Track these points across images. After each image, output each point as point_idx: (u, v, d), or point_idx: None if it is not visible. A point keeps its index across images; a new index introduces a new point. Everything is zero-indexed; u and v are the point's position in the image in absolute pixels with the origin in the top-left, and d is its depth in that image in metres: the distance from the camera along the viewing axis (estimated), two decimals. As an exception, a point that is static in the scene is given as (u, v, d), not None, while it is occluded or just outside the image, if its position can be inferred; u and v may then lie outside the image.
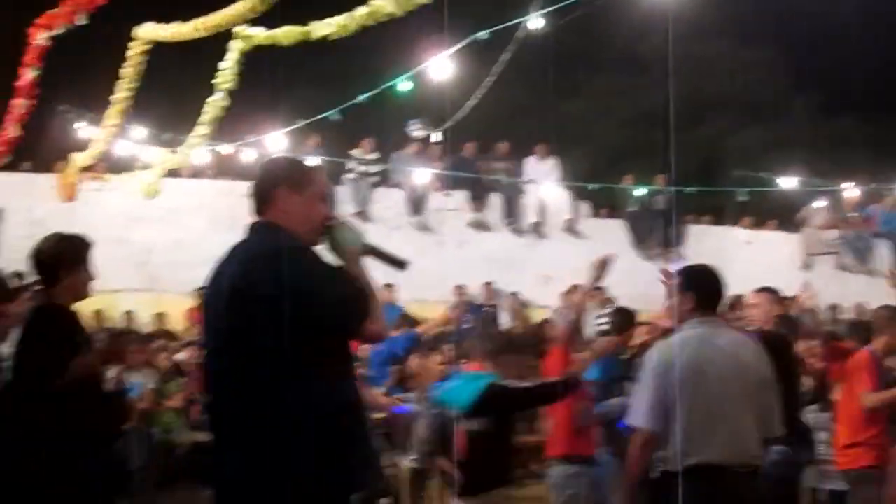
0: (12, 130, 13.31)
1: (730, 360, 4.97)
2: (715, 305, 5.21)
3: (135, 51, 11.98)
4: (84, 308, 5.30)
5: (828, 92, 26.44)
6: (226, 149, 14.17)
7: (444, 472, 7.36)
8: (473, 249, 17.83)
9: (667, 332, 5.43)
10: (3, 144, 13.61)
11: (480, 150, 18.69)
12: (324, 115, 11.26)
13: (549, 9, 8.70)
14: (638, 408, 5.01)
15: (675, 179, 19.08)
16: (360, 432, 3.78)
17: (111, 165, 16.91)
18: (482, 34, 8.97)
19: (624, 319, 8.23)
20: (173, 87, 19.64)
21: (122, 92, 12.43)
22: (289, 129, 13.21)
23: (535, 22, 8.85)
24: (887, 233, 19.62)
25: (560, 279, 17.26)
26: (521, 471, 12.46)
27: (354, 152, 17.92)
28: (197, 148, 12.17)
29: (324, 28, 8.93)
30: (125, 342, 5.30)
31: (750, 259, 17.13)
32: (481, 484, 5.79)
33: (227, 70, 10.75)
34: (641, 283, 16.70)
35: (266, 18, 9.48)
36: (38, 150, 17.91)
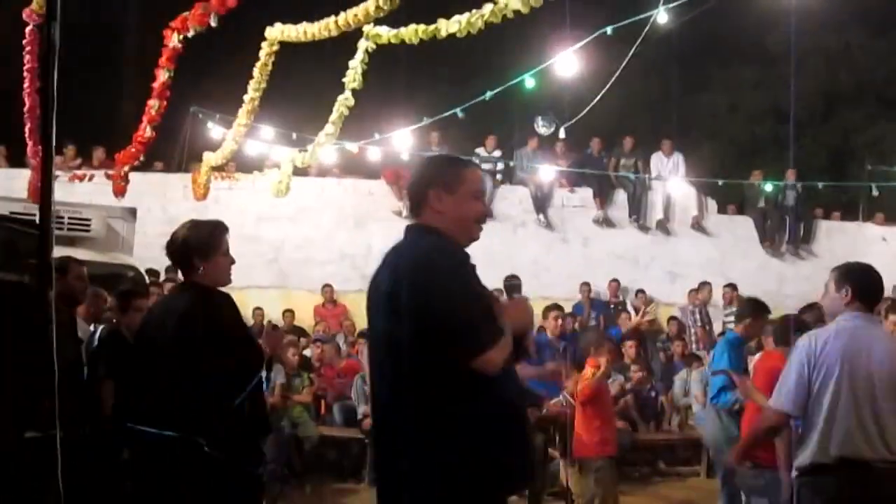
0: (146, 131, 13.62)
1: (882, 355, 4.88)
2: (872, 301, 5.13)
3: (264, 51, 12.16)
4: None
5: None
6: (352, 147, 14.30)
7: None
8: (599, 246, 17.72)
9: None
10: (137, 145, 13.94)
11: (606, 146, 18.56)
12: (448, 112, 11.28)
13: (677, 2, 8.57)
14: (779, 389, 5.04)
15: (806, 174, 18.68)
16: (519, 431, 3.75)
17: (241, 165, 17.26)
18: (608, 29, 8.88)
19: (755, 309, 8.02)
20: (301, 87, 19.98)
21: (252, 92, 12.63)
22: (414, 127, 13.27)
23: (663, 16, 8.71)
24: None
25: (687, 276, 17.08)
26: (648, 469, 12.50)
27: (478, 150, 17.96)
28: (324, 147, 12.29)
29: (451, 26, 8.94)
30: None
31: (886, 256, 16.61)
32: None
33: (355, 69, 10.83)
34: (770, 281, 16.54)
35: (393, 17, 9.55)
36: (170, 151, 18.39)
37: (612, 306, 16.24)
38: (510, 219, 17.57)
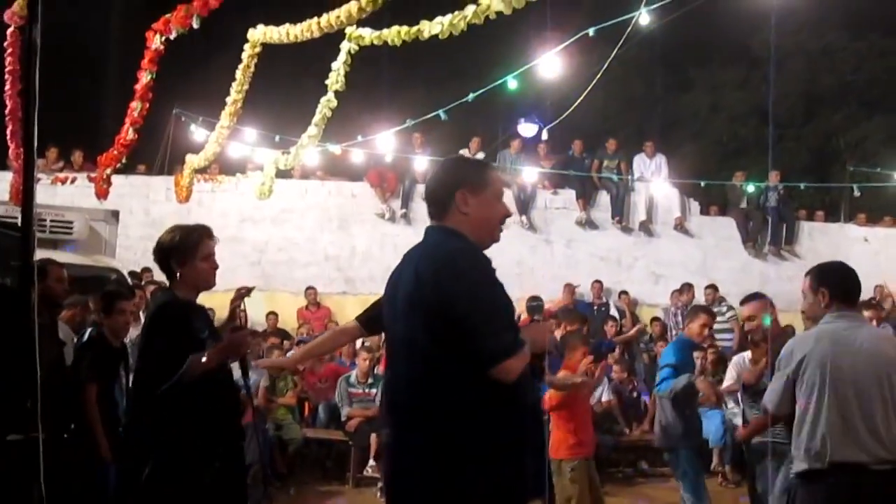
0: (129, 133, 13.58)
1: (868, 355, 4.88)
2: (851, 300, 5.13)
3: (247, 53, 12.13)
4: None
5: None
6: (335, 149, 14.28)
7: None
8: (582, 248, 17.75)
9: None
10: (119, 147, 13.90)
11: (589, 147, 18.59)
12: (432, 114, 11.28)
13: (659, 3, 8.58)
14: (769, 391, 5.23)
15: (788, 175, 18.75)
16: (537, 437, 3.77)
17: (224, 167, 17.23)
18: (591, 30, 8.89)
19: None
20: (284, 89, 19.96)
21: (235, 94, 12.60)
22: (397, 129, 13.27)
23: (645, 17, 8.72)
24: None
25: (670, 277, 17.14)
26: (631, 469, 12.52)
27: (462, 151, 17.95)
28: (307, 149, 12.27)
29: (433, 27, 8.93)
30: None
31: (867, 256, 16.70)
32: None
33: (338, 71, 10.82)
34: (752, 282, 16.59)
35: (376, 19, 9.54)
36: (153, 153, 18.33)
37: (595, 307, 16.26)
38: (493, 220, 17.54)
